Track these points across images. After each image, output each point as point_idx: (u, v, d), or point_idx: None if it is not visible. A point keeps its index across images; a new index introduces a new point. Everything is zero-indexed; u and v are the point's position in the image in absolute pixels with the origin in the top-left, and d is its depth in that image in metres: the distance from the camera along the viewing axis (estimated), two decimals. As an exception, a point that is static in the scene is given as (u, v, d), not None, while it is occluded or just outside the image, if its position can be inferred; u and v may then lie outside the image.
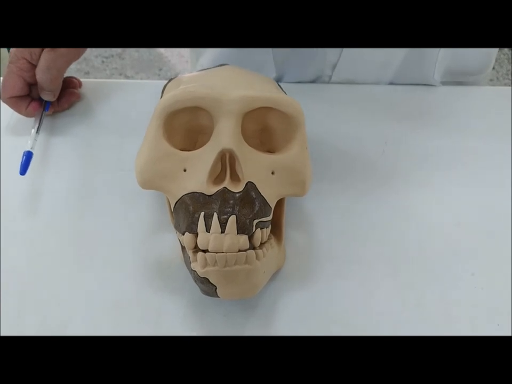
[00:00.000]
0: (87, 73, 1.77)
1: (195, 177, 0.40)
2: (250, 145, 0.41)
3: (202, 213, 0.39)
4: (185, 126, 0.43)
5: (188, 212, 0.39)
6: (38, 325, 0.42)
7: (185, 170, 0.41)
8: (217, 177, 0.40)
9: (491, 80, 1.80)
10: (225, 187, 0.39)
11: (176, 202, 0.41)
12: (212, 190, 0.39)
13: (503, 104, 0.58)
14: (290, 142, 0.43)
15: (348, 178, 0.51)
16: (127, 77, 1.76)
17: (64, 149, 0.53)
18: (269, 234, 0.42)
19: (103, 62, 1.80)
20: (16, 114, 0.53)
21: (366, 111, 0.57)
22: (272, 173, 0.41)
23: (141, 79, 1.75)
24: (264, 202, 0.40)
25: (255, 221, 0.39)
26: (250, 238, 0.39)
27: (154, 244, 0.46)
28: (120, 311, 0.42)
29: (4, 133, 0.54)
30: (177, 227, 0.41)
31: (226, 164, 0.40)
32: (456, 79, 0.63)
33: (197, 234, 0.39)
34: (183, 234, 0.40)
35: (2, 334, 0.41)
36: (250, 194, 0.39)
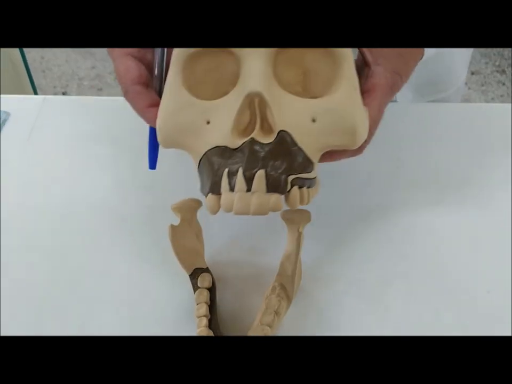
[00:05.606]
0: (100, 90, 1.79)
1: (219, 129, 0.35)
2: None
3: (226, 170, 0.33)
4: (212, 75, 0.37)
5: (211, 170, 0.34)
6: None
7: (208, 123, 0.35)
8: (245, 129, 0.34)
9: (501, 96, 1.80)
10: (252, 138, 0.33)
11: (200, 160, 0.35)
12: (238, 142, 0.34)
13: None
14: (335, 82, 0.36)
15: (361, 195, 0.51)
16: (139, 93, 1.78)
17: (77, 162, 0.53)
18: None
19: (115, 78, 1.83)
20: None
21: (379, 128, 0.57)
22: (313, 120, 0.35)
23: (153, 95, 1.76)
24: (302, 155, 0.34)
25: (291, 177, 0.33)
26: (286, 198, 0.34)
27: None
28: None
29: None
30: (202, 190, 0.36)
31: (255, 112, 0.34)
32: (428, 98, 0.63)
33: (221, 196, 0.34)
34: (206, 197, 0.35)
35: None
36: (284, 144, 0.33)
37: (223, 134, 0.34)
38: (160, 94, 0.39)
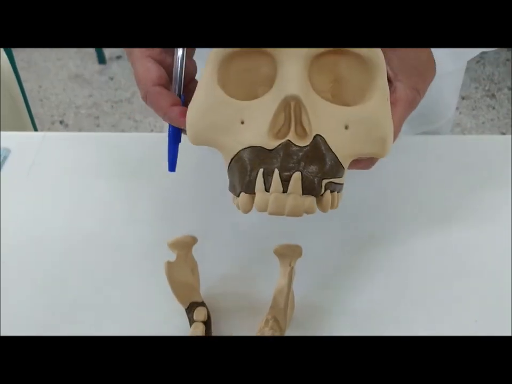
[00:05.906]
0: (97, 118, 1.82)
1: (254, 129, 0.35)
2: None
3: (261, 170, 0.34)
4: (245, 75, 0.38)
5: (245, 169, 0.34)
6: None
7: (242, 123, 0.36)
8: (279, 131, 0.35)
9: (492, 120, 1.83)
10: (288, 140, 0.34)
11: (232, 159, 0.36)
12: (273, 143, 0.34)
13: (505, 153, 0.60)
14: (367, 91, 0.37)
15: (352, 226, 0.52)
16: (135, 121, 1.80)
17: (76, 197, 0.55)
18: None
19: (112, 106, 1.85)
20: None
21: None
22: (346, 128, 0.36)
23: (149, 123, 1.79)
24: (335, 160, 0.35)
25: (324, 181, 0.34)
26: (319, 201, 0.34)
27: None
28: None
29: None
30: (232, 189, 0.36)
31: (291, 115, 0.34)
32: (419, 129, 0.64)
33: (254, 195, 0.34)
34: (238, 196, 0.35)
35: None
36: (319, 149, 0.34)
37: (259, 134, 0.34)
38: (179, 96, 0.40)
